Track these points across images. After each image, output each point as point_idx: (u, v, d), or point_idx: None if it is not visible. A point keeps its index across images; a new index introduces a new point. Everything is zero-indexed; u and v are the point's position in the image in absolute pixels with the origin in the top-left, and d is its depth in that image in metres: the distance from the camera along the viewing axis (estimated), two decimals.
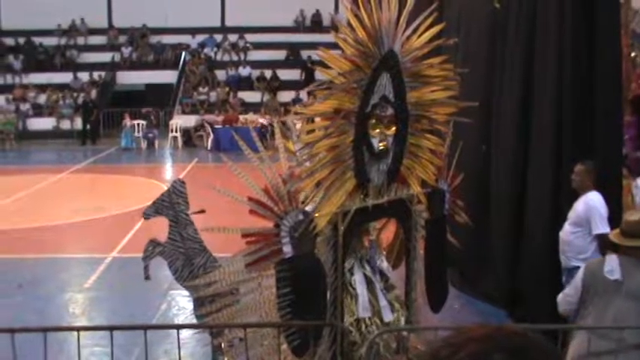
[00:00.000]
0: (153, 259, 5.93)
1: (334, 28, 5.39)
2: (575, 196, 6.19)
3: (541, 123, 7.11)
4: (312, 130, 5.03)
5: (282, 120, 6.69)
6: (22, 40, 28.20)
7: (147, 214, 5.98)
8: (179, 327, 5.25)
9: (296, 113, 5.80)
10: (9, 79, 27.28)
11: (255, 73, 27.39)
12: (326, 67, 4.88)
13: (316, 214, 4.91)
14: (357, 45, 4.83)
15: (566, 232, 6.15)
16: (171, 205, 5.87)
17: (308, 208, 4.96)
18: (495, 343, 0.84)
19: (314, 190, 4.99)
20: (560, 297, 5.15)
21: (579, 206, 6.11)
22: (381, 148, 5.11)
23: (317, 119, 5.19)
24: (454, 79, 5.54)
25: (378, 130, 5.07)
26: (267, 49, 28.12)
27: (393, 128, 5.19)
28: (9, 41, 28.35)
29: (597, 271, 4.79)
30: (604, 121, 6.51)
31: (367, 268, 5.53)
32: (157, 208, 5.93)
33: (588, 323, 4.77)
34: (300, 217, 4.88)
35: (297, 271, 4.83)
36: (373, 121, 5.04)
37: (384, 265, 5.80)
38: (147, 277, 5.93)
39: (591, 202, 6.01)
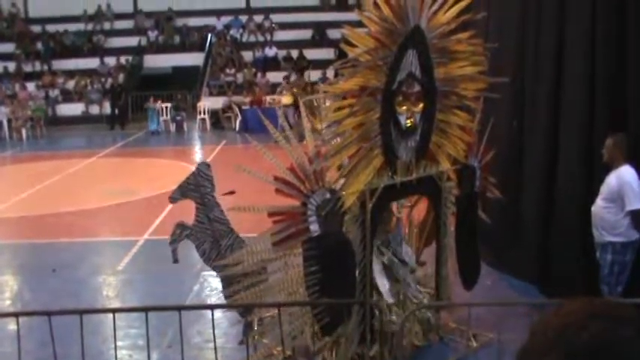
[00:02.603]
0: (180, 242, 5.97)
1: (359, 6, 5.33)
2: (607, 170, 6.08)
3: (573, 97, 6.99)
4: (339, 109, 5.01)
5: (309, 99, 6.67)
6: (49, 27, 28.41)
7: (173, 198, 6.02)
8: (213, 307, 5.29)
9: (324, 92, 5.78)
10: (37, 66, 27.54)
11: (282, 53, 27.31)
12: (352, 45, 4.85)
13: (343, 192, 4.89)
14: (382, 22, 4.78)
15: (599, 207, 6.04)
16: (196, 187, 5.90)
17: (335, 187, 4.95)
18: (614, 317, 0.82)
19: (341, 168, 4.98)
20: None
21: (612, 181, 5.98)
22: (409, 124, 5.08)
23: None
24: (483, 54, 5.47)
25: (405, 107, 5.04)
26: (292, 29, 27.98)
27: (421, 105, 5.14)
28: (36, 28, 28.60)
29: None
30: (637, 93, 6.37)
31: (385, 254, 5.50)
32: (182, 192, 5.97)
33: None
34: (327, 195, 4.87)
35: (325, 250, 4.83)
36: (400, 98, 5.00)
37: (408, 250, 5.76)
38: (175, 261, 5.98)
39: (624, 177, 5.88)
